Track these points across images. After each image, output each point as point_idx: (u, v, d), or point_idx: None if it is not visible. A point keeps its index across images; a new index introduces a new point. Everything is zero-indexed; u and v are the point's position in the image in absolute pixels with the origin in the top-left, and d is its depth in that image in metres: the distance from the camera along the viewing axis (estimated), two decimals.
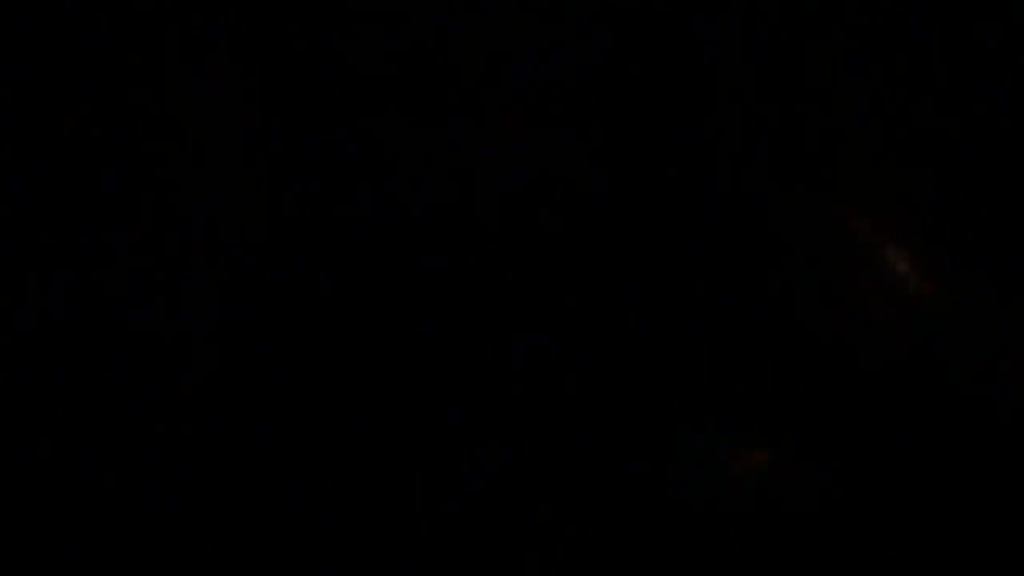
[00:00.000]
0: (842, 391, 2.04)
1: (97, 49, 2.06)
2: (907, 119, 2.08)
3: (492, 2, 2.11)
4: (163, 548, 1.99)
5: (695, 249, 2.12)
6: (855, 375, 2.05)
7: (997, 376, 1.96)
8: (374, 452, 2.07)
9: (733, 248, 2.12)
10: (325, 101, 2.13)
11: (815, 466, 2.01)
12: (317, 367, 2.10)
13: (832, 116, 2.10)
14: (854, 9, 2.08)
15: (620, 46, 2.12)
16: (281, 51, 2.12)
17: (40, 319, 2.05)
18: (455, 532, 2.02)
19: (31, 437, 2.02)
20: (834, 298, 2.09)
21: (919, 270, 2.04)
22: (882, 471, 1.97)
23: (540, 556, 2.00)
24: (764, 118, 2.11)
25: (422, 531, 2.02)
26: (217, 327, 2.10)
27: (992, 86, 2.06)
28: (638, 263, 2.13)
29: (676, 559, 1.99)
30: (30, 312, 2.05)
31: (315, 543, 2.01)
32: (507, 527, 2.02)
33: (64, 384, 2.04)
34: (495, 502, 2.03)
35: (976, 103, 2.06)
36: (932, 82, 2.07)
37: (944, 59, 2.06)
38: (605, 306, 2.13)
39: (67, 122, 2.06)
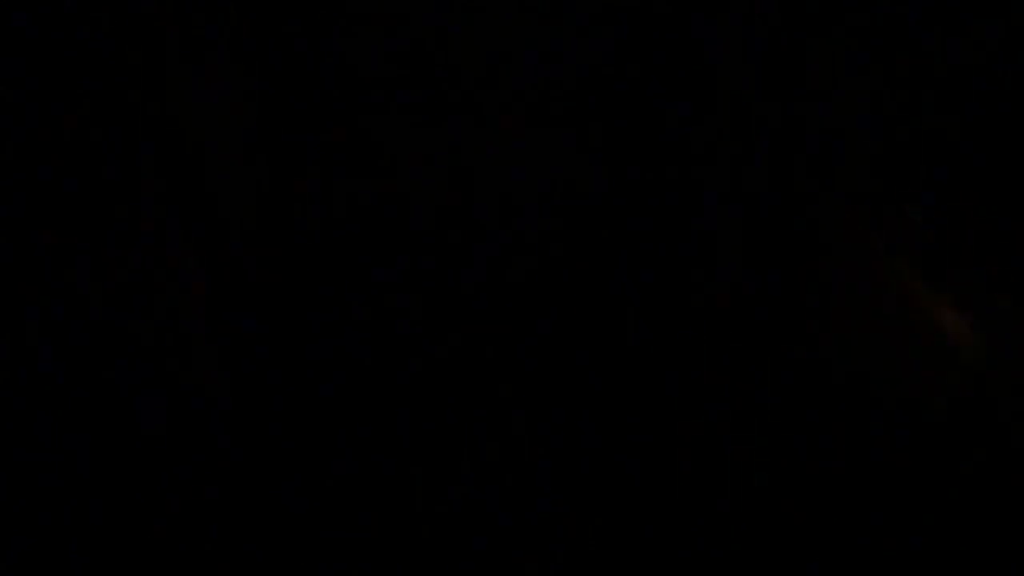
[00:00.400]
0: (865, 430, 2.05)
1: (97, 49, 2.06)
2: (907, 119, 2.08)
3: (492, 2, 2.11)
4: (163, 548, 1.99)
5: (695, 249, 2.12)
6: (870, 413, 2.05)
7: None
8: (374, 452, 2.07)
9: (733, 248, 2.12)
10: (325, 101, 2.13)
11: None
12: (316, 366, 2.10)
13: (832, 116, 2.10)
14: (854, 9, 2.08)
15: (620, 46, 2.12)
16: (281, 51, 2.12)
17: (40, 319, 2.05)
18: (454, 532, 2.02)
19: (31, 437, 2.02)
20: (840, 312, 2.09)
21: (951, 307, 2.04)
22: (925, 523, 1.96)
23: (540, 556, 2.00)
24: (764, 118, 2.11)
25: (422, 531, 2.02)
26: (217, 327, 2.10)
27: (992, 86, 2.06)
28: (638, 263, 2.13)
29: (675, 560, 1.99)
30: (30, 312, 2.05)
31: (315, 543, 2.01)
32: (506, 527, 2.02)
33: (64, 384, 2.04)
34: (495, 502, 2.03)
35: (976, 103, 2.06)
36: (932, 82, 2.07)
37: (944, 59, 2.06)
38: (605, 306, 2.13)
39: (67, 122, 2.06)
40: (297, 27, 2.11)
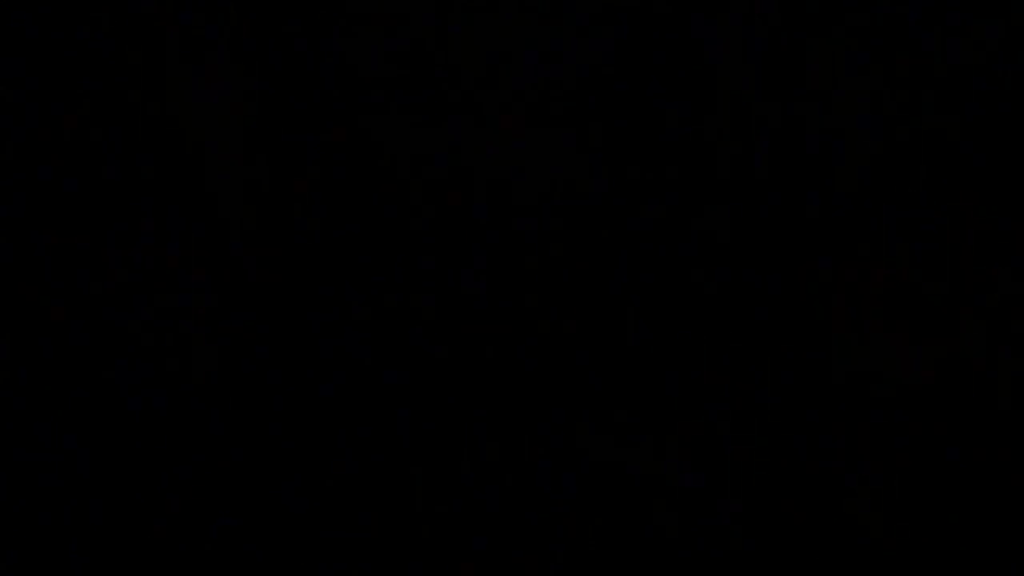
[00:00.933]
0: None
1: (97, 49, 2.06)
2: (907, 119, 2.08)
3: (492, 2, 2.11)
4: (163, 547, 1.99)
5: (695, 249, 2.12)
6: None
7: None
8: (374, 452, 2.07)
9: (733, 248, 2.12)
10: (325, 101, 2.13)
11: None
12: (316, 366, 2.10)
13: (832, 116, 2.10)
14: (854, 9, 2.08)
15: (620, 46, 2.12)
16: (281, 51, 2.12)
17: (40, 319, 2.05)
18: (454, 532, 2.02)
19: (31, 436, 2.02)
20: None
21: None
22: None
23: (540, 556, 2.00)
24: (764, 118, 2.11)
25: (422, 531, 2.02)
26: (217, 327, 2.10)
27: (992, 86, 2.06)
28: (638, 263, 2.13)
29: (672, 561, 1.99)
30: (30, 312, 2.05)
31: (315, 543, 2.01)
32: (506, 527, 2.02)
33: (64, 383, 2.04)
34: (495, 502, 2.03)
35: (976, 103, 2.06)
36: (932, 82, 2.07)
37: (944, 59, 2.06)
38: (605, 305, 2.13)
39: (67, 122, 2.06)
40: (297, 27, 2.11)
